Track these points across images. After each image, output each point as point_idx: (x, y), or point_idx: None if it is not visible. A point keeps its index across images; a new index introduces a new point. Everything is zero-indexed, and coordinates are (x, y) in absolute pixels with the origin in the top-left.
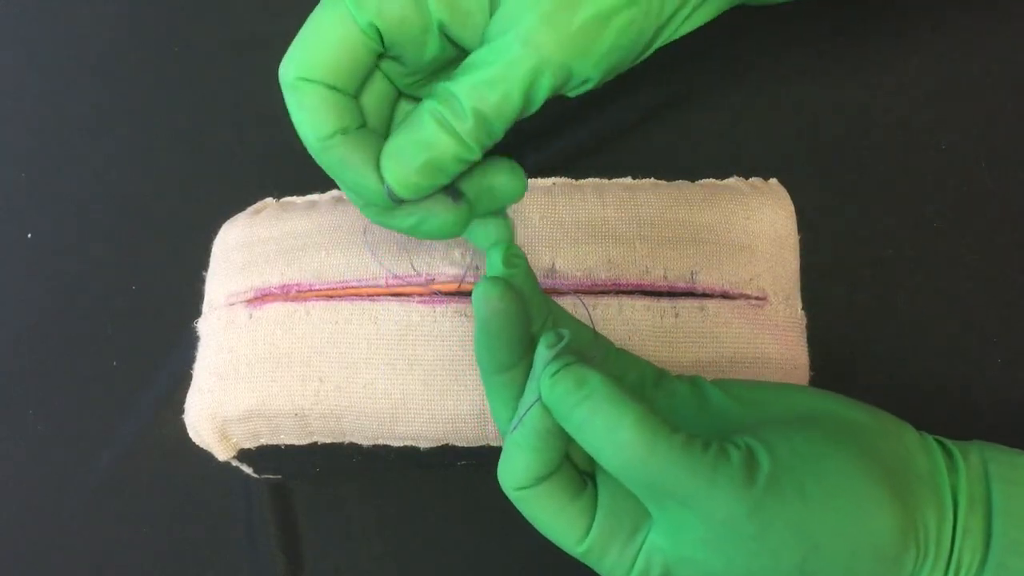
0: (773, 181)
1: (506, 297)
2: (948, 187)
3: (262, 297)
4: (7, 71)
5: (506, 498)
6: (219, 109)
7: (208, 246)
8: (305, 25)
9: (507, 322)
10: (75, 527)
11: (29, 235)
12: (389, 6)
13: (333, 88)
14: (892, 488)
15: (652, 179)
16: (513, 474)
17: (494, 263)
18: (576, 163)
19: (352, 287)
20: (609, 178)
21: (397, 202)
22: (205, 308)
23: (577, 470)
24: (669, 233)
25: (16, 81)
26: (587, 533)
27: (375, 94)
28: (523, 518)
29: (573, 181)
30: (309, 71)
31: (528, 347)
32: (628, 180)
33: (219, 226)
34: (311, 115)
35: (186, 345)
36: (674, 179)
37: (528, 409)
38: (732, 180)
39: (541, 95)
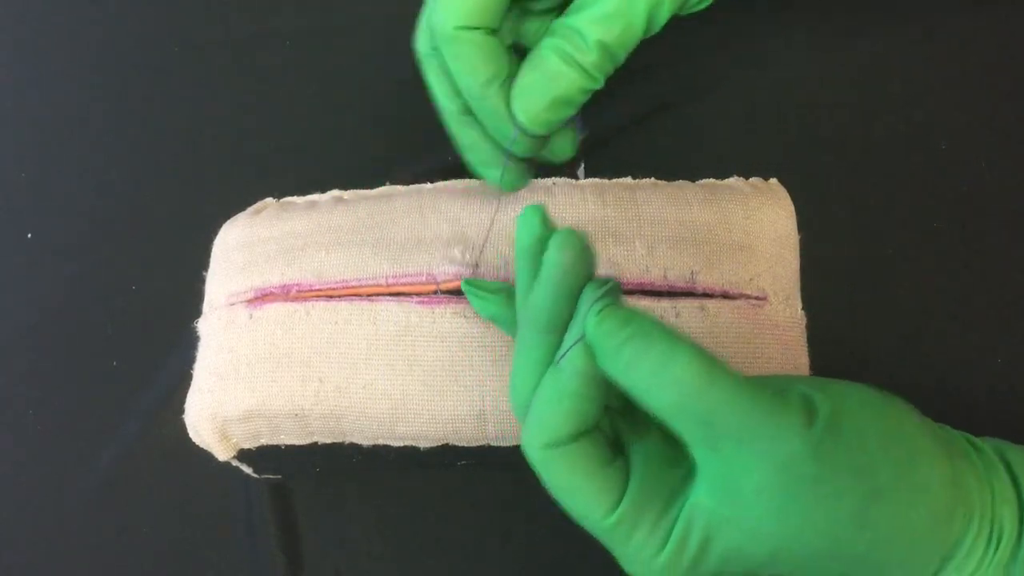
0: (773, 181)
1: (584, 245)
2: (948, 187)
3: (262, 297)
4: (7, 71)
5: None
6: (219, 109)
7: (208, 246)
8: None
9: (580, 272)
10: (75, 527)
11: (29, 235)
12: None
13: (487, 31)
14: (940, 443)
15: (652, 179)
16: (544, 428)
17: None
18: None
19: (352, 287)
20: (609, 178)
21: (530, 138)
22: (205, 308)
23: (608, 441)
24: (669, 233)
25: (16, 81)
26: (618, 503)
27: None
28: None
29: (573, 181)
30: (467, 18)
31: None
32: (628, 180)
33: (219, 226)
34: (470, 64)
35: (186, 345)
36: (674, 179)
37: (569, 349)
38: (732, 180)
39: (663, 18)
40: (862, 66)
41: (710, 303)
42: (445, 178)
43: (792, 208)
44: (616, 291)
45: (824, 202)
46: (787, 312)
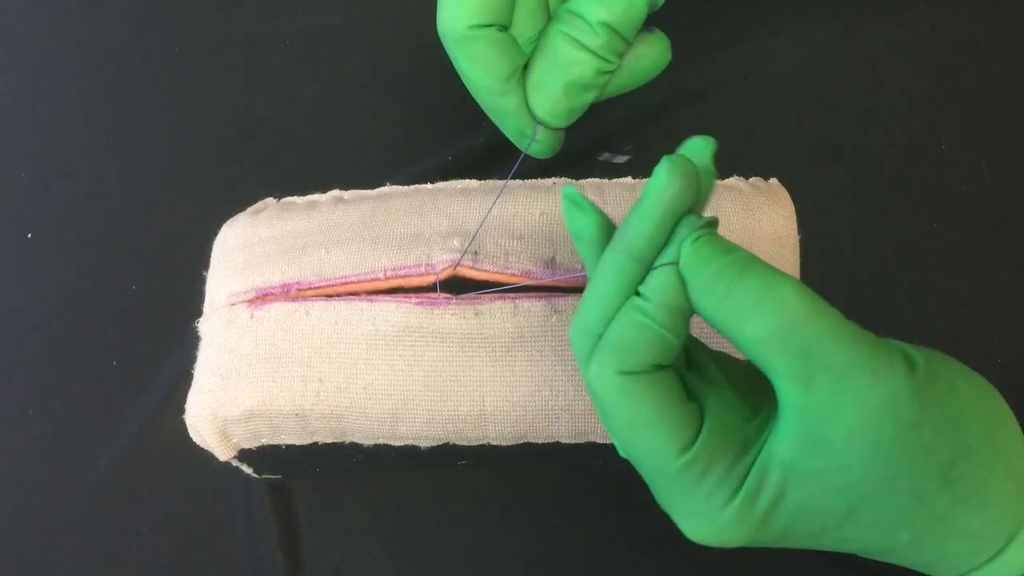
0: (773, 181)
1: (695, 175)
2: (948, 187)
3: (263, 297)
4: (7, 71)
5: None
6: (219, 109)
7: (208, 246)
8: None
9: (687, 201)
10: (75, 527)
11: (29, 235)
12: None
13: (500, 27)
14: (1013, 413)
15: None
16: (626, 354)
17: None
18: (576, 163)
19: (352, 282)
20: (609, 178)
21: (551, 133)
22: (206, 308)
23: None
24: None
25: (16, 81)
26: (692, 442)
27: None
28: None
29: (574, 181)
30: (479, 15)
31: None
32: (628, 180)
33: (219, 226)
34: (487, 64)
35: (186, 345)
36: None
37: (656, 270)
38: (732, 180)
39: None
40: (862, 66)
41: None
42: (445, 178)
43: (792, 208)
44: (714, 225)
45: (824, 202)
46: None
